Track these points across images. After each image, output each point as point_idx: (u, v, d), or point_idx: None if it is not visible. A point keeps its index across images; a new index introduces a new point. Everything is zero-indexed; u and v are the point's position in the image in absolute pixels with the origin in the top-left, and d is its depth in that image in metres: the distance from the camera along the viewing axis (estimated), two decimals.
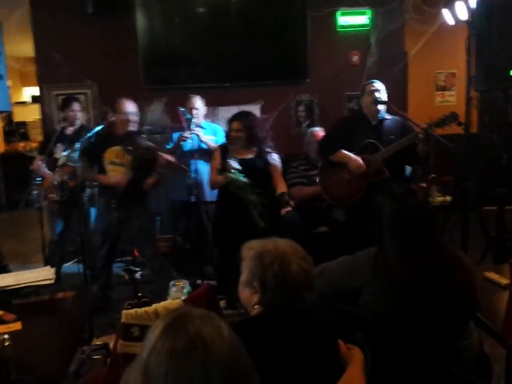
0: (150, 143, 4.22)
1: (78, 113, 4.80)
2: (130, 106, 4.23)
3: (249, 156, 4.11)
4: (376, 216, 2.12)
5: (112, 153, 4.20)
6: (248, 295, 1.72)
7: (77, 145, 4.56)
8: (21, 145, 9.76)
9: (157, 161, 4.15)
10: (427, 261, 1.95)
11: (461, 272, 1.98)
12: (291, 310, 1.63)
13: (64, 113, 4.79)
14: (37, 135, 10.08)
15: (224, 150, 4.17)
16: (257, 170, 4.01)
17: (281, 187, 4.07)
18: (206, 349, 1.07)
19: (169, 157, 4.12)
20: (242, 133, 4.06)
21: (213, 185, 4.24)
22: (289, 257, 1.66)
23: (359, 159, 3.88)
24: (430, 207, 2.41)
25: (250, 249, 1.74)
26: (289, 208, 3.94)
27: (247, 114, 4.17)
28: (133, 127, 4.23)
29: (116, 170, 4.20)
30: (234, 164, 3.93)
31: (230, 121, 4.16)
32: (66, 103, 4.82)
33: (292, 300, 1.64)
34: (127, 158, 4.14)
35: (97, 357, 3.07)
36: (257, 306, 1.69)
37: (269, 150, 4.15)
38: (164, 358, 1.07)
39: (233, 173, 3.85)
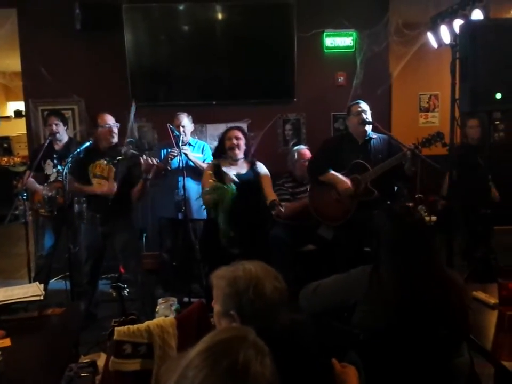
0: (133, 151, 4.23)
1: (55, 127, 4.74)
2: (110, 118, 4.26)
3: (244, 170, 4.11)
4: (373, 234, 2.13)
5: (97, 167, 4.23)
6: (227, 326, 1.68)
7: (68, 160, 4.57)
8: (4, 160, 9.65)
9: (140, 165, 4.07)
10: (423, 281, 1.96)
11: (455, 293, 2.00)
12: (273, 330, 1.61)
13: (46, 128, 4.83)
14: (20, 150, 10.01)
15: (217, 166, 4.11)
16: (251, 184, 4.00)
17: (271, 195, 4.01)
18: (244, 382, 1.06)
19: (151, 159, 4.06)
20: (242, 140, 4.09)
21: (206, 200, 4.19)
22: (261, 280, 1.64)
23: (347, 181, 3.92)
24: (428, 227, 2.45)
25: (220, 278, 1.70)
26: (282, 209, 3.83)
27: (238, 127, 4.25)
28: (115, 139, 4.26)
29: (100, 183, 4.22)
30: (232, 176, 3.91)
31: (227, 131, 4.17)
32: (45, 119, 4.87)
33: (272, 321, 1.63)
34: (111, 170, 4.17)
35: (85, 374, 3.03)
36: None
37: (256, 161, 4.18)
38: (200, 372, 1.07)
39: (227, 185, 3.82)
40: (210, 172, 4.06)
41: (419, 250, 2.01)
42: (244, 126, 5.71)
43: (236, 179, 3.90)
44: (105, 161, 4.20)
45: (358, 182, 3.92)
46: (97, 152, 4.25)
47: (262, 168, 4.17)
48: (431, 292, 1.95)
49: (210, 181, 3.92)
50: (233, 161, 4.11)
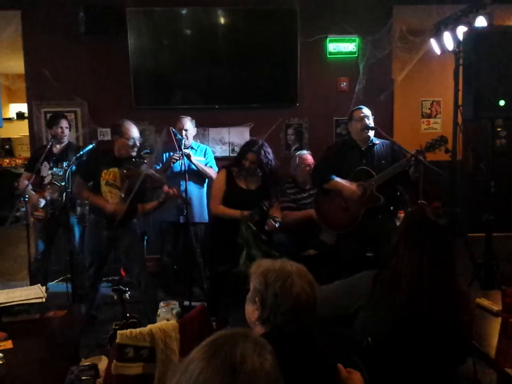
0: (153, 171, 4.16)
1: (66, 130, 4.76)
2: (135, 132, 4.12)
3: (254, 185, 4.15)
4: (397, 229, 2.13)
5: (109, 174, 4.10)
6: (250, 311, 1.75)
7: (65, 164, 4.56)
8: (6, 161, 9.68)
9: (161, 190, 4.08)
10: (435, 283, 1.95)
11: (462, 300, 1.99)
12: (290, 331, 1.64)
13: (52, 131, 4.74)
14: (22, 152, 10.04)
15: (229, 173, 4.14)
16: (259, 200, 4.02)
17: (276, 213, 4.13)
18: (239, 376, 1.06)
19: (175, 190, 4.05)
20: (256, 166, 4.08)
21: (215, 212, 4.21)
22: (292, 278, 1.68)
23: (352, 186, 3.91)
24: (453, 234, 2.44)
25: (259, 267, 1.77)
26: (276, 225, 3.99)
27: (261, 146, 4.11)
28: (134, 153, 4.14)
29: (111, 191, 4.11)
30: (276, 224, 4.00)
31: (246, 151, 4.12)
32: (54, 120, 4.76)
33: (291, 322, 1.65)
34: (124, 181, 4.08)
35: (86, 377, 3.03)
36: (257, 322, 1.70)
37: (272, 178, 4.19)
38: (198, 366, 1.08)
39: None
40: (223, 178, 4.11)
41: (441, 253, 1.99)
42: (246, 130, 5.72)
43: (276, 225, 4.00)
44: (118, 171, 4.10)
45: (364, 188, 3.91)
46: (114, 158, 4.14)
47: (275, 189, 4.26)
48: (440, 297, 1.94)
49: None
50: (247, 176, 4.15)
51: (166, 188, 4.02)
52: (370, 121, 4.04)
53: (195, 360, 1.09)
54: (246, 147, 4.19)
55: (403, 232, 2.09)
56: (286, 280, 1.67)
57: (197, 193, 4.81)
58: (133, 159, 4.09)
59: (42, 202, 4.51)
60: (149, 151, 4.41)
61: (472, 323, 2.02)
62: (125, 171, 4.03)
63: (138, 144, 4.12)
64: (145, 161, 4.07)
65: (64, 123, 4.75)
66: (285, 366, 1.17)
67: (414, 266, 1.97)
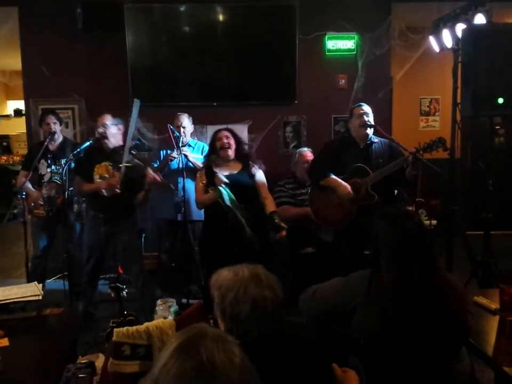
0: (137, 161, 4.15)
1: (54, 126, 4.71)
2: (107, 119, 4.14)
3: (236, 171, 4.07)
4: (372, 238, 2.12)
5: (102, 168, 4.14)
6: (219, 324, 1.74)
7: (62, 161, 4.54)
8: (3, 158, 9.65)
9: (145, 178, 4.08)
10: (422, 285, 1.94)
11: (454, 297, 1.99)
12: (255, 339, 1.63)
13: (43, 129, 4.76)
14: (19, 149, 10.00)
15: (209, 167, 4.04)
16: (243, 185, 3.95)
17: (270, 204, 4.01)
18: (214, 376, 1.05)
19: (156, 175, 4.05)
20: (232, 140, 4.07)
21: (200, 204, 4.15)
22: (246, 285, 1.66)
23: (347, 187, 3.90)
24: (428, 231, 2.43)
25: (216, 279, 1.76)
26: (284, 233, 3.89)
27: (227, 128, 4.21)
28: (115, 141, 4.16)
29: None
30: (222, 177, 3.86)
31: (217, 132, 4.14)
32: (41, 117, 4.78)
33: (254, 328, 1.64)
34: (115, 173, 4.09)
35: (83, 375, 3.01)
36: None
37: (254, 165, 4.13)
38: (171, 379, 1.06)
39: (222, 187, 3.80)
40: (202, 173, 4.04)
41: (418, 254, 1.98)
42: (244, 128, 5.70)
43: (225, 180, 3.84)
44: (110, 165, 4.13)
45: (358, 186, 3.90)
46: (103, 152, 4.17)
47: (259, 174, 4.11)
48: (430, 296, 1.94)
49: (201, 184, 3.93)
50: (226, 162, 4.07)
51: (148, 172, 3.99)
52: (369, 119, 4.02)
53: (165, 376, 1.07)
54: (216, 131, 4.21)
55: (377, 238, 2.09)
56: (239, 288, 1.65)
57: (194, 190, 4.79)
58: (120, 150, 4.08)
59: (42, 200, 4.51)
60: (138, 142, 4.37)
61: (467, 319, 2.01)
62: (116, 164, 4.02)
63: (106, 135, 4.10)
64: (121, 151, 4.04)
65: (50, 119, 4.71)
66: (264, 374, 1.16)
67: (396, 275, 1.98)
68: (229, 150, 4.04)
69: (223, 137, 4.06)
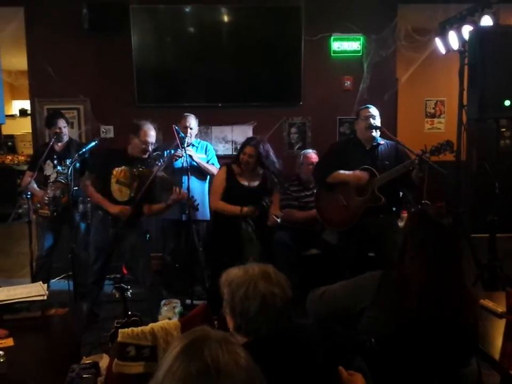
0: (164, 174, 4.16)
1: (64, 129, 4.74)
2: (152, 136, 4.15)
3: (256, 182, 4.20)
4: (404, 231, 2.11)
5: (120, 172, 4.13)
6: (228, 321, 1.75)
7: (68, 161, 4.55)
8: (9, 158, 9.67)
9: (171, 192, 4.09)
10: (444, 291, 1.92)
11: (469, 304, 1.97)
12: (264, 336, 1.64)
13: (51, 131, 4.75)
14: (24, 149, 10.03)
15: (230, 171, 4.20)
16: (260, 196, 4.08)
17: (275, 209, 4.15)
18: (219, 377, 1.04)
19: (184, 193, 4.09)
20: (254, 159, 4.10)
21: (214, 208, 4.28)
22: (255, 281, 1.68)
23: (357, 173, 3.90)
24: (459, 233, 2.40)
25: (226, 277, 1.77)
26: (278, 220, 4.05)
27: (260, 141, 4.19)
28: (146, 155, 4.19)
29: (121, 190, 4.14)
30: (278, 219, 4.06)
31: (244, 145, 4.20)
32: (51, 121, 4.76)
33: (263, 325, 1.65)
34: (134, 180, 4.10)
35: (87, 376, 3.01)
36: (234, 332, 1.71)
37: (273, 176, 4.21)
38: (177, 383, 1.05)
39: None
40: (223, 174, 4.16)
41: (448, 254, 1.97)
42: (249, 129, 5.70)
43: (278, 221, 4.06)
44: (129, 169, 4.12)
45: (367, 187, 3.89)
46: (126, 157, 4.17)
47: (276, 186, 4.27)
48: (450, 305, 1.91)
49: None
50: (246, 171, 4.19)
51: (176, 189, 4.04)
52: (375, 121, 4.02)
53: (170, 380, 1.07)
54: (245, 141, 4.28)
55: (408, 235, 2.06)
56: (249, 284, 1.67)
57: (199, 190, 4.79)
58: (146, 160, 4.12)
59: (47, 200, 4.52)
60: (160, 152, 4.39)
61: (478, 324, 2.00)
62: (134, 170, 4.02)
63: (150, 149, 4.14)
64: (157, 163, 4.06)
65: (61, 123, 4.73)
66: (271, 372, 1.16)
67: (422, 269, 1.94)
68: (249, 166, 4.14)
69: (247, 154, 4.11)
